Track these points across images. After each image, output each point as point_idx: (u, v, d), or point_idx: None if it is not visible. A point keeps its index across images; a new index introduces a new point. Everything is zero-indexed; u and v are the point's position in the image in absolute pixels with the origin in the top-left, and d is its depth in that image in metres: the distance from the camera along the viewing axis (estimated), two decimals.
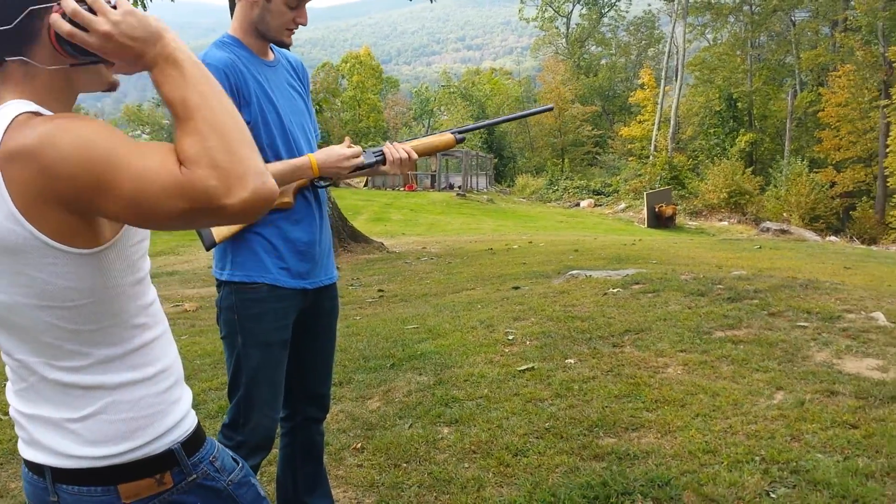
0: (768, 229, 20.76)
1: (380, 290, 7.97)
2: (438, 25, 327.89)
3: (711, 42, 45.02)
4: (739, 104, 40.39)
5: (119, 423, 1.22)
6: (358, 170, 2.29)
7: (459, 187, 33.56)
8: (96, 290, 1.16)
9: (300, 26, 2.24)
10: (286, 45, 2.28)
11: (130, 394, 1.23)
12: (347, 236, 12.21)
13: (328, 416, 2.61)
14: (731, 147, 36.63)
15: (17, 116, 1.09)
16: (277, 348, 2.27)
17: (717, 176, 30.78)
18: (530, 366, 4.23)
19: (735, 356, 4.17)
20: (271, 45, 2.27)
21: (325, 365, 2.51)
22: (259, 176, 1.07)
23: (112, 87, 1.27)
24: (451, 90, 52.58)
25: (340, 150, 2.25)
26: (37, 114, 1.11)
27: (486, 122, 2.69)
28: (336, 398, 3.99)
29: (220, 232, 2.13)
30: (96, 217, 1.11)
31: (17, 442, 1.32)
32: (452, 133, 2.42)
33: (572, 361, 4.28)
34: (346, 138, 2.37)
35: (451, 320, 5.71)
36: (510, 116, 2.75)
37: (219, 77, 2.05)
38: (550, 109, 2.97)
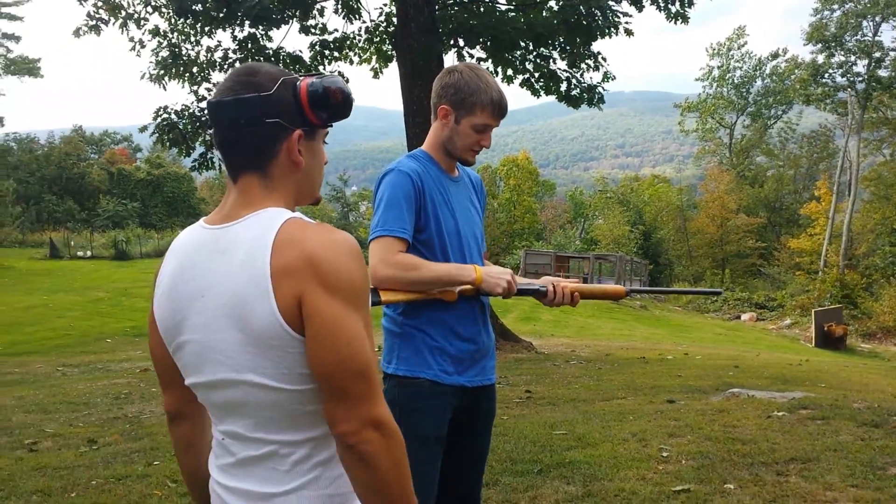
0: None
1: (527, 391, 7.91)
2: (598, 133, 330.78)
3: (888, 157, 42.63)
4: None
5: (319, 499, 1.30)
6: (522, 293, 2.41)
7: None
8: None
9: (483, 148, 2.43)
10: (469, 164, 2.48)
11: (331, 471, 1.32)
12: (497, 334, 12.24)
13: None
14: None
15: (282, 225, 1.27)
16: (433, 444, 2.33)
17: (894, 297, 28.54)
18: (686, 487, 4.05)
19: None
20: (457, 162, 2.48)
21: (477, 467, 2.54)
22: None
23: (318, 200, 1.48)
24: (608, 195, 52.46)
25: (503, 271, 2.38)
26: (297, 221, 1.28)
27: (659, 289, 2.79)
28: (483, 499, 3.97)
29: (385, 294, 2.24)
30: None
31: None
32: (625, 288, 2.56)
33: (732, 487, 4.06)
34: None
35: (601, 429, 5.57)
36: (681, 290, 2.94)
37: (406, 180, 2.29)
38: (719, 294, 3.08)
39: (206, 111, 12.59)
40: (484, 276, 2.33)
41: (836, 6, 38.65)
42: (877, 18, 37.95)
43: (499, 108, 2.38)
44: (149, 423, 6.49)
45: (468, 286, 2.32)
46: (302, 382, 1.27)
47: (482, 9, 12.56)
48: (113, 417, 6.86)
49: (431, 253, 2.32)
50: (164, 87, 12.82)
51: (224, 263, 1.27)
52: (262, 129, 1.31)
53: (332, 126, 1.41)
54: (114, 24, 12.63)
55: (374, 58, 14.43)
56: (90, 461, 5.13)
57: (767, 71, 54.64)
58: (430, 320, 2.33)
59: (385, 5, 13.83)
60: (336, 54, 13.67)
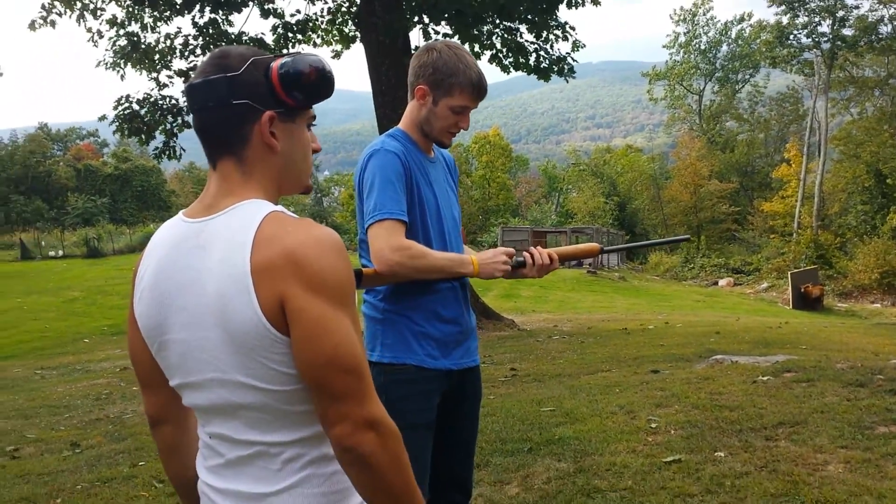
0: None
1: (512, 369, 7.90)
2: (568, 105, 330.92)
3: (856, 116, 42.99)
4: (889, 180, 38.04)
5: (312, 498, 1.26)
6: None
7: (591, 264, 33.11)
8: None
9: (461, 130, 2.36)
10: (445, 146, 2.42)
11: (324, 468, 1.28)
12: (479, 313, 12.24)
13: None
14: (883, 225, 34.43)
15: (263, 220, 1.21)
16: (423, 430, 2.30)
17: (868, 255, 28.92)
18: (677, 457, 4.03)
19: None
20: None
21: (467, 449, 2.51)
22: None
23: (307, 189, 1.40)
24: (581, 168, 52.55)
25: (496, 251, 2.34)
26: (278, 215, 1.22)
27: (634, 244, 2.81)
28: (475, 481, 3.93)
29: (367, 277, 2.17)
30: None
31: None
32: (600, 245, 2.51)
33: (722, 455, 4.05)
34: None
35: (588, 404, 5.55)
36: (652, 242, 3.02)
37: (395, 160, 2.23)
38: (688, 240, 3.11)
39: (167, 99, 12.43)
40: (480, 269, 2.28)
41: None
42: None
43: (478, 90, 2.30)
44: (131, 422, 6.39)
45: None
46: (290, 383, 1.22)
47: None
48: (95, 419, 6.75)
49: (413, 235, 2.26)
50: (122, 76, 12.59)
51: (205, 259, 1.22)
52: (231, 111, 1.25)
53: (311, 107, 1.33)
54: (70, 15, 12.33)
55: (335, 40, 14.25)
56: (74, 465, 5.04)
57: (733, 35, 54.84)
58: (411, 305, 2.28)
59: None
60: (300, 37, 13.48)
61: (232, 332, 1.19)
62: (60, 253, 37.19)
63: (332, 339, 1.17)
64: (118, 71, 12.63)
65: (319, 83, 1.28)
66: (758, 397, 5.23)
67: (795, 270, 26.84)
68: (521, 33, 13.01)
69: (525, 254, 2.37)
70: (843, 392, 5.21)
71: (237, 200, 1.25)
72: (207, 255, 1.22)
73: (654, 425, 4.74)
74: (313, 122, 1.37)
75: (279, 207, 1.25)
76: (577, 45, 13.01)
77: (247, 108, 1.25)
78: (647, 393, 5.76)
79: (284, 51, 13.14)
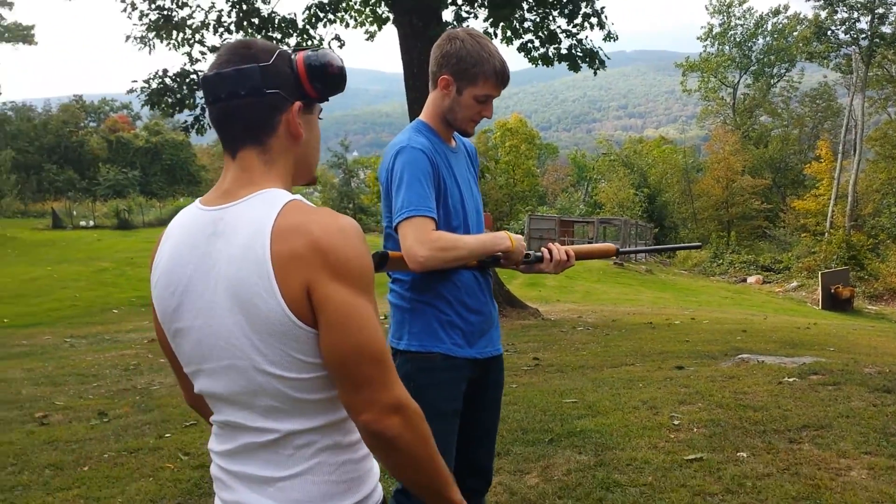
0: None
1: (535, 358, 7.90)
2: (600, 94, 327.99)
3: (893, 116, 42.11)
4: None
5: (322, 485, 1.28)
6: (518, 265, 2.40)
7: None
8: None
9: (485, 118, 2.38)
10: (468, 135, 2.44)
11: (336, 457, 1.30)
12: (503, 301, 12.22)
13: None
14: None
15: (283, 208, 1.23)
16: (450, 418, 2.33)
17: None
18: (698, 456, 4.02)
19: None
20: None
21: (489, 438, 2.55)
22: None
23: (314, 180, 1.44)
24: (612, 158, 52.06)
25: (523, 241, 2.39)
26: (298, 205, 1.24)
27: (648, 248, 2.87)
28: (494, 469, 3.95)
29: (393, 261, 2.21)
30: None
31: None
32: (616, 245, 2.58)
33: (745, 455, 4.03)
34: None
35: (611, 398, 5.55)
36: (665, 247, 3.34)
37: (422, 157, 2.24)
38: (700, 247, 3.14)
39: (198, 74, 12.44)
40: (517, 242, 2.32)
41: None
42: None
43: (502, 78, 2.32)
44: (158, 394, 6.49)
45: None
46: (309, 371, 1.24)
47: None
48: (122, 389, 6.87)
49: (439, 228, 2.27)
50: (150, 51, 12.62)
51: (223, 246, 1.24)
52: (264, 101, 1.28)
53: (328, 100, 1.38)
54: None
55: (368, 20, 14.20)
56: (101, 434, 5.14)
57: (769, 28, 53.91)
58: (438, 294, 2.31)
59: None
60: (331, 16, 13.44)
61: (252, 319, 1.20)
62: (91, 223, 37.68)
63: (358, 326, 1.20)
64: (147, 45, 12.66)
65: (338, 77, 1.33)
66: (783, 399, 5.19)
67: (826, 270, 26.43)
68: (554, 18, 12.78)
69: (543, 249, 2.41)
70: (870, 397, 5.15)
71: (257, 189, 1.27)
72: (226, 243, 1.23)
73: (676, 422, 4.72)
74: (320, 117, 1.42)
75: (298, 196, 1.27)
76: (610, 37, 12.79)
77: (278, 98, 1.28)
78: (671, 389, 5.74)
79: (313, 31, 13.16)
